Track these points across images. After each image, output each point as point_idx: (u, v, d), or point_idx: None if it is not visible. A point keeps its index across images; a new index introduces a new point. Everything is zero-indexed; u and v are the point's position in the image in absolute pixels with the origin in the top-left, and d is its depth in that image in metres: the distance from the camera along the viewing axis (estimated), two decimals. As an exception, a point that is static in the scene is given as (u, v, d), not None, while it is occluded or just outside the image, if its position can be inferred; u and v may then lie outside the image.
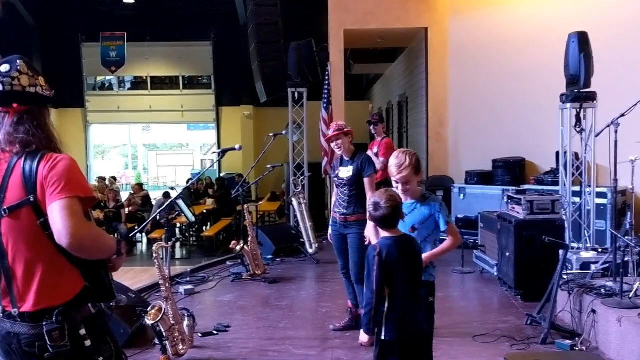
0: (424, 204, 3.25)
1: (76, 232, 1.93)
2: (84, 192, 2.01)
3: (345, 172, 4.88)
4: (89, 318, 2.10)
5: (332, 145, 5.00)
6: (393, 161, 3.25)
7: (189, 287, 6.38)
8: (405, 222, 3.09)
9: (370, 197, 3.08)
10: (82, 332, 2.06)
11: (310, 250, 7.59)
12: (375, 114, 7.46)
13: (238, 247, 6.81)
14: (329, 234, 5.14)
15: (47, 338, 2.00)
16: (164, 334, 4.04)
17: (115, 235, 11.92)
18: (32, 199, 2.00)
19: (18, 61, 2.08)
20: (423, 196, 3.29)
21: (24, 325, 2.04)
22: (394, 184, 3.29)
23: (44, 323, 2.02)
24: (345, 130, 4.89)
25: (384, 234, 2.94)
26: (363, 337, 2.94)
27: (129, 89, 21.24)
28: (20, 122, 2.07)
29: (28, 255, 2.03)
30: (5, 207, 2.02)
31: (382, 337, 2.87)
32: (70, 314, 2.04)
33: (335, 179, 5.01)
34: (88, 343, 2.06)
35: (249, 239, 6.91)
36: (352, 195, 4.80)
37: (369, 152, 7.04)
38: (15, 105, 2.06)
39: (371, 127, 7.98)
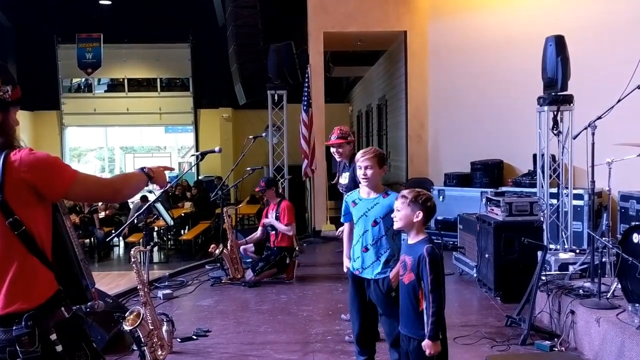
0: (385, 199, 3.53)
1: (110, 188, 2.18)
2: (76, 170, 2.07)
3: (344, 178, 4.96)
4: (62, 323, 2.04)
5: (332, 150, 5.01)
6: (360, 151, 3.66)
7: (168, 291, 6.30)
8: (368, 217, 3.52)
9: (408, 191, 3.05)
10: (53, 337, 2.00)
11: (293, 253, 7.54)
12: (263, 179, 7.05)
13: (217, 251, 6.75)
14: (338, 231, 5.17)
15: (16, 344, 1.94)
16: (143, 339, 3.97)
17: (92, 239, 11.75)
18: None
19: None
20: (385, 192, 3.57)
21: None
22: (358, 171, 3.62)
23: (14, 327, 1.95)
24: (349, 139, 4.95)
25: (420, 236, 2.95)
26: (434, 346, 2.81)
27: (105, 91, 20.99)
28: None
29: (1, 256, 1.98)
30: None
31: (440, 337, 2.85)
32: (40, 318, 1.98)
33: (338, 186, 5.08)
34: (59, 349, 2.01)
35: (229, 242, 6.86)
36: None
37: (268, 218, 6.85)
38: None
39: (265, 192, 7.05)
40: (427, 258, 2.82)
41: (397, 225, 3.04)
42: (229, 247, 6.81)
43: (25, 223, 1.98)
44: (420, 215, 2.92)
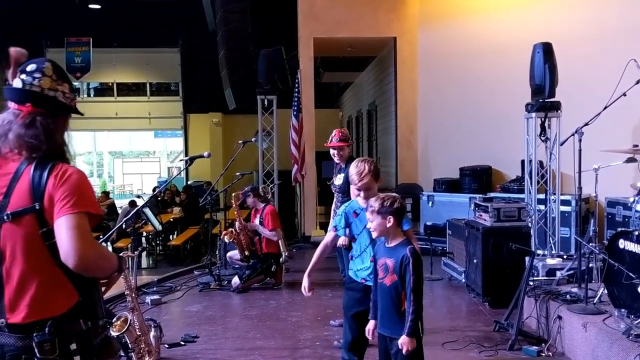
0: None
1: (83, 254, 1.88)
2: (94, 208, 1.97)
3: (339, 179, 5.08)
4: (80, 334, 2.02)
5: (332, 152, 5.08)
6: (353, 170, 3.43)
7: (156, 297, 6.26)
8: (369, 228, 3.25)
9: (374, 200, 3.08)
10: (73, 346, 1.98)
11: (280, 259, 7.53)
12: (247, 190, 7.06)
13: (226, 238, 6.83)
14: None
15: (36, 350, 1.91)
16: (130, 345, 3.94)
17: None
18: (37, 207, 1.91)
19: (45, 63, 2.02)
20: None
21: (11, 337, 1.94)
22: (355, 191, 3.48)
23: (35, 334, 1.92)
24: (350, 142, 5.07)
25: (399, 238, 3.02)
26: (411, 342, 2.87)
27: (94, 96, 20.88)
28: (31, 125, 1.98)
29: (25, 265, 1.94)
30: (8, 212, 1.93)
31: (421, 335, 2.94)
32: (63, 327, 1.96)
33: (332, 187, 5.15)
34: (77, 359, 1.98)
35: (237, 224, 6.90)
36: (343, 202, 4.91)
37: (254, 221, 6.87)
38: (28, 104, 1.98)
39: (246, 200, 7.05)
40: (410, 258, 2.92)
41: (374, 235, 3.09)
42: (237, 230, 6.85)
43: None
44: (391, 220, 2.99)
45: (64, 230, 1.88)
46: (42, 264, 1.95)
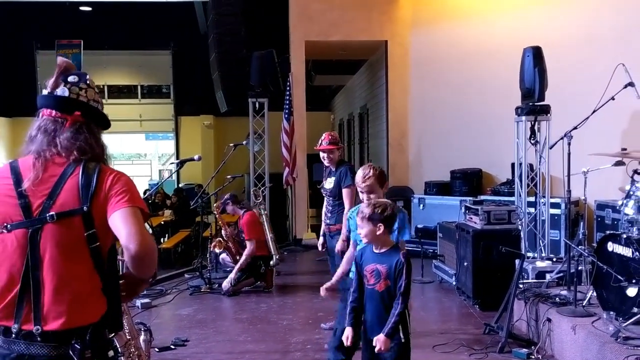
0: None
1: (144, 240, 1.91)
2: (144, 206, 2.02)
3: (329, 183, 5.05)
4: (109, 342, 2.02)
5: (322, 155, 5.05)
6: (359, 173, 3.50)
7: (146, 300, 6.23)
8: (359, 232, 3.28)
9: (365, 205, 3.10)
10: (111, 353, 1.98)
11: (271, 262, 7.52)
12: (226, 198, 7.02)
13: (217, 249, 6.87)
14: (319, 244, 5.18)
15: (76, 359, 1.87)
16: (120, 349, 3.92)
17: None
18: (85, 209, 1.92)
19: (87, 76, 2.11)
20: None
21: (45, 346, 1.87)
22: (360, 194, 3.49)
23: (74, 342, 1.87)
24: (339, 145, 5.05)
25: (389, 244, 3.04)
26: (386, 342, 2.88)
27: (85, 98, 20.76)
28: (79, 131, 2.03)
29: (65, 269, 1.90)
30: (53, 213, 1.91)
31: (403, 340, 2.94)
32: (101, 334, 1.94)
33: (322, 190, 5.13)
34: None
35: (223, 232, 6.93)
36: (335, 206, 4.93)
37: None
38: (77, 113, 2.03)
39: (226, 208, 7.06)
40: (404, 264, 2.94)
41: (364, 242, 3.10)
42: (224, 238, 6.88)
43: (100, 239, 1.95)
44: (381, 227, 2.99)
45: (124, 218, 1.92)
46: (82, 268, 1.93)
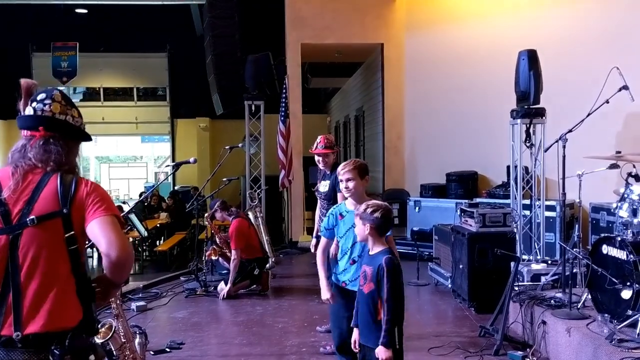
0: None
1: (124, 246, 1.99)
2: (119, 214, 2.09)
3: (324, 186, 5.02)
4: (90, 346, 2.04)
5: (317, 158, 5.04)
6: (342, 163, 3.62)
7: (141, 303, 6.22)
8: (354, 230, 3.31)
9: (363, 204, 3.11)
10: (92, 358, 2.01)
11: (267, 265, 7.52)
12: (215, 206, 6.92)
13: (214, 257, 6.91)
14: (311, 245, 5.14)
15: None
16: (115, 352, 3.91)
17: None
18: (65, 211, 1.99)
19: (54, 91, 2.16)
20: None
21: (25, 352, 1.90)
22: (340, 184, 3.60)
23: (53, 347, 1.90)
24: (335, 149, 5.05)
25: (379, 246, 3.02)
26: (386, 352, 2.86)
27: (81, 100, 20.73)
28: (47, 144, 2.09)
29: (45, 272, 1.96)
30: (33, 217, 1.97)
31: (397, 346, 2.92)
32: (82, 338, 1.97)
33: (317, 193, 5.11)
34: None
35: (217, 239, 7.00)
36: (329, 209, 4.88)
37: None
38: (40, 128, 2.09)
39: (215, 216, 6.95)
40: (385, 268, 2.91)
41: (358, 239, 3.16)
42: (219, 244, 6.93)
43: (78, 242, 2.02)
44: (368, 227, 3.01)
45: (104, 226, 1.99)
46: (60, 271, 1.98)
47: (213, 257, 6.95)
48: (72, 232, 1.99)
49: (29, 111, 2.11)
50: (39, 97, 2.12)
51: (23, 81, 2.16)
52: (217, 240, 7.00)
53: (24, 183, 2.02)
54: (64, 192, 2.01)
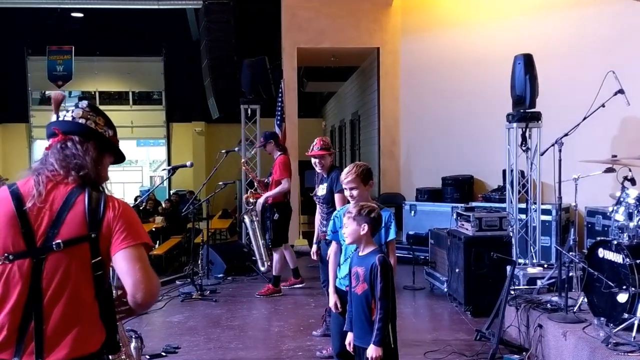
0: None
1: (151, 287, 1.90)
2: (148, 239, 1.98)
3: (321, 190, 5.02)
4: None
5: (314, 161, 5.02)
6: (344, 170, 3.54)
7: (137, 307, 6.18)
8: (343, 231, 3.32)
9: (352, 205, 3.13)
10: None
11: (262, 269, 7.50)
12: (268, 135, 7.13)
13: (252, 199, 7.05)
14: (312, 252, 5.09)
15: None
16: (110, 357, 3.89)
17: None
18: (93, 236, 1.87)
19: (84, 102, 2.10)
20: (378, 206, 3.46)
21: None
22: (345, 192, 3.52)
23: None
24: (331, 151, 5.02)
25: (370, 247, 3.04)
26: (377, 351, 2.88)
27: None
28: (65, 146, 1.98)
29: (69, 298, 1.86)
30: (59, 241, 1.85)
31: (392, 345, 2.94)
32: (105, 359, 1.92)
33: (315, 197, 5.09)
34: None
35: (256, 184, 7.22)
36: (329, 212, 4.88)
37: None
38: (57, 131, 2.01)
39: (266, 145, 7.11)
40: (379, 267, 2.93)
41: (347, 241, 3.12)
42: (258, 189, 7.12)
43: (105, 266, 1.93)
44: (365, 227, 3.01)
45: (130, 263, 1.88)
46: (85, 297, 1.89)
47: (251, 200, 7.09)
48: (99, 258, 1.89)
49: (52, 119, 2.07)
50: (68, 107, 2.07)
51: (54, 94, 2.12)
52: (256, 184, 7.19)
53: (48, 196, 1.90)
54: (92, 213, 1.89)
